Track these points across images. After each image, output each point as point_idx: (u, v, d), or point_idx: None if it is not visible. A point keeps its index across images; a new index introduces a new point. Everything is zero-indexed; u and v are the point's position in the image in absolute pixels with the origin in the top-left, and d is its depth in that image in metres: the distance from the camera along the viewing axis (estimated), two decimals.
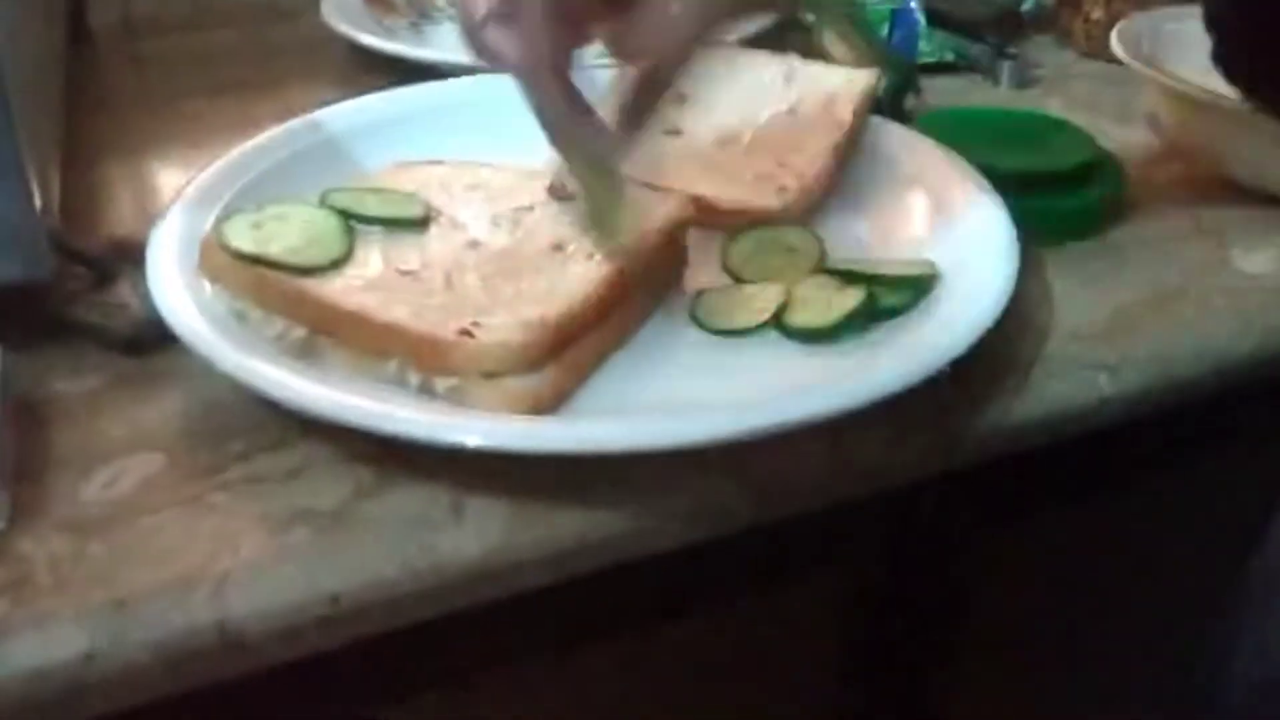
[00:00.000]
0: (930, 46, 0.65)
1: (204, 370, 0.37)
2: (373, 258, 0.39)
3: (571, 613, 0.39)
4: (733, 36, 0.44)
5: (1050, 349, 0.42)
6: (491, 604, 0.35)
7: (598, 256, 0.40)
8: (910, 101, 0.57)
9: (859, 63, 0.57)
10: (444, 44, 0.69)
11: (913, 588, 0.59)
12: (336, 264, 0.38)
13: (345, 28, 0.66)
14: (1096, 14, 0.68)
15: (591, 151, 0.39)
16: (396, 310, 0.36)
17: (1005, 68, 0.63)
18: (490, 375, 0.36)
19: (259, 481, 0.35)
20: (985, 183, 0.46)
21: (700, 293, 0.43)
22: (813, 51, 0.59)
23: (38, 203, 0.40)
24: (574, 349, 0.38)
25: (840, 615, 0.66)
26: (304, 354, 0.38)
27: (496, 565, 0.34)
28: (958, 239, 0.43)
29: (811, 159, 0.49)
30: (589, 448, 0.34)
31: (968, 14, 0.65)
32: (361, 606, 0.32)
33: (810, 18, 0.63)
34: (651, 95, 0.39)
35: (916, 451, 0.39)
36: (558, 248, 0.41)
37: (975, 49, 0.65)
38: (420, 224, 0.42)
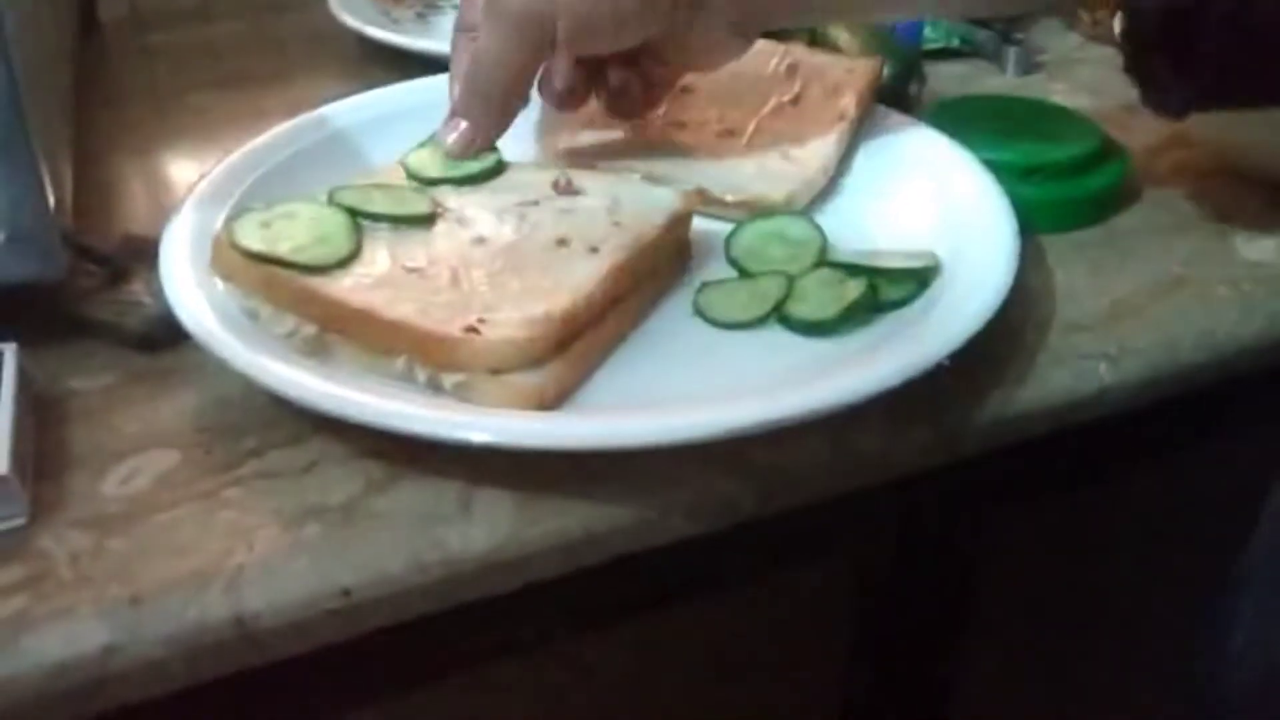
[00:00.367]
0: (936, 33, 0.65)
1: (217, 367, 0.37)
2: (380, 255, 0.40)
3: (583, 598, 0.40)
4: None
5: (1051, 339, 0.42)
6: (502, 592, 0.36)
7: (601, 251, 0.41)
8: (915, 89, 0.57)
9: (863, 51, 0.57)
10: (448, 35, 0.70)
11: (921, 568, 0.59)
12: (344, 262, 0.39)
13: (351, 20, 0.66)
14: None
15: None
16: (403, 307, 0.37)
17: (1011, 54, 0.63)
18: (496, 371, 0.36)
19: (272, 477, 0.36)
20: (988, 173, 0.46)
21: (703, 285, 0.44)
22: (818, 40, 0.59)
23: (51, 202, 0.41)
24: (578, 343, 0.39)
25: (849, 596, 0.67)
26: (314, 351, 0.38)
27: (504, 558, 0.34)
28: (960, 230, 0.44)
29: (815, 150, 0.49)
30: (593, 444, 0.34)
31: None
32: (372, 600, 0.33)
33: None
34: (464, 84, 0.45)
35: (918, 442, 0.39)
36: (562, 243, 0.41)
37: (981, 35, 0.65)
38: (426, 220, 0.42)
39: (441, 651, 0.39)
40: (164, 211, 0.44)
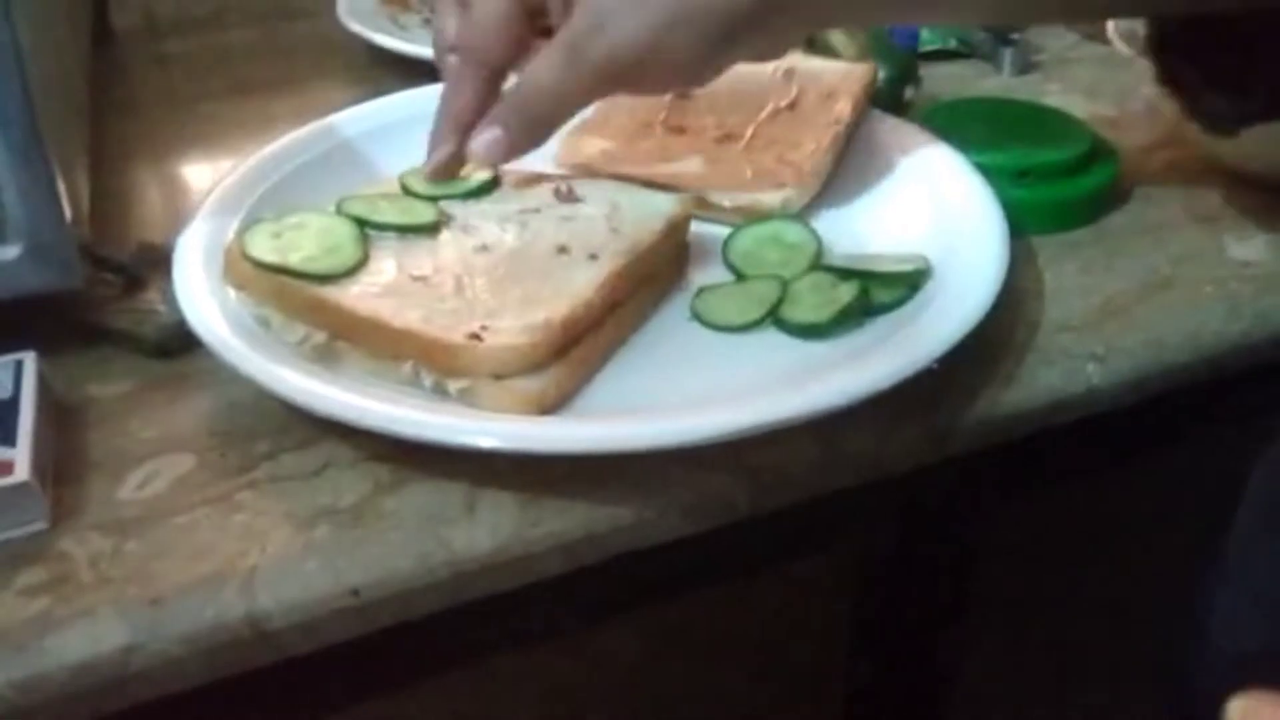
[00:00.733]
0: (932, 34, 0.66)
1: (230, 373, 0.39)
2: (387, 264, 0.41)
3: (590, 590, 0.41)
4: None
5: (1041, 339, 0.43)
6: (507, 590, 0.37)
7: (601, 258, 0.42)
8: (910, 92, 0.58)
9: (859, 56, 0.58)
10: None
11: (921, 558, 0.60)
12: (352, 271, 0.40)
13: (359, 27, 0.67)
14: None
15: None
16: (409, 315, 0.38)
17: (1006, 54, 0.64)
18: (499, 376, 0.38)
19: (284, 480, 0.37)
20: (979, 177, 0.47)
21: (700, 289, 0.45)
22: (815, 43, 0.60)
23: (68, 214, 0.42)
24: (578, 348, 0.40)
25: (851, 585, 0.68)
26: (324, 357, 0.40)
27: (508, 558, 0.36)
28: (951, 234, 0.45)
29: (810, 155, 0.50)
30: (592, 448, 0.36)
31: None
32: (381, 598, 0.34)
33: None
34: (511, 108, 0.42)
35: (909, 442, 0.40)
36: (563, 250, 0.43)
37: (977, 36, 0.66)
38: (432, 229, 0.43)
39: (451, 643, 0.41)
40: (180, 218, 0.46)
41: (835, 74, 0.54)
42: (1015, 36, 0.65)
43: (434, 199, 0.45)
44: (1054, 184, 0.49)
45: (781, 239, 0.46)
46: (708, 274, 0.46)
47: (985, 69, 0.65)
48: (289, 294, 0.39)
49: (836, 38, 0.60)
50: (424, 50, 0.65)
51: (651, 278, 0.44)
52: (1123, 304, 0.45)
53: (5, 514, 0.35)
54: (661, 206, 0.45)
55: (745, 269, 0.45)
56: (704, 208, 0.49)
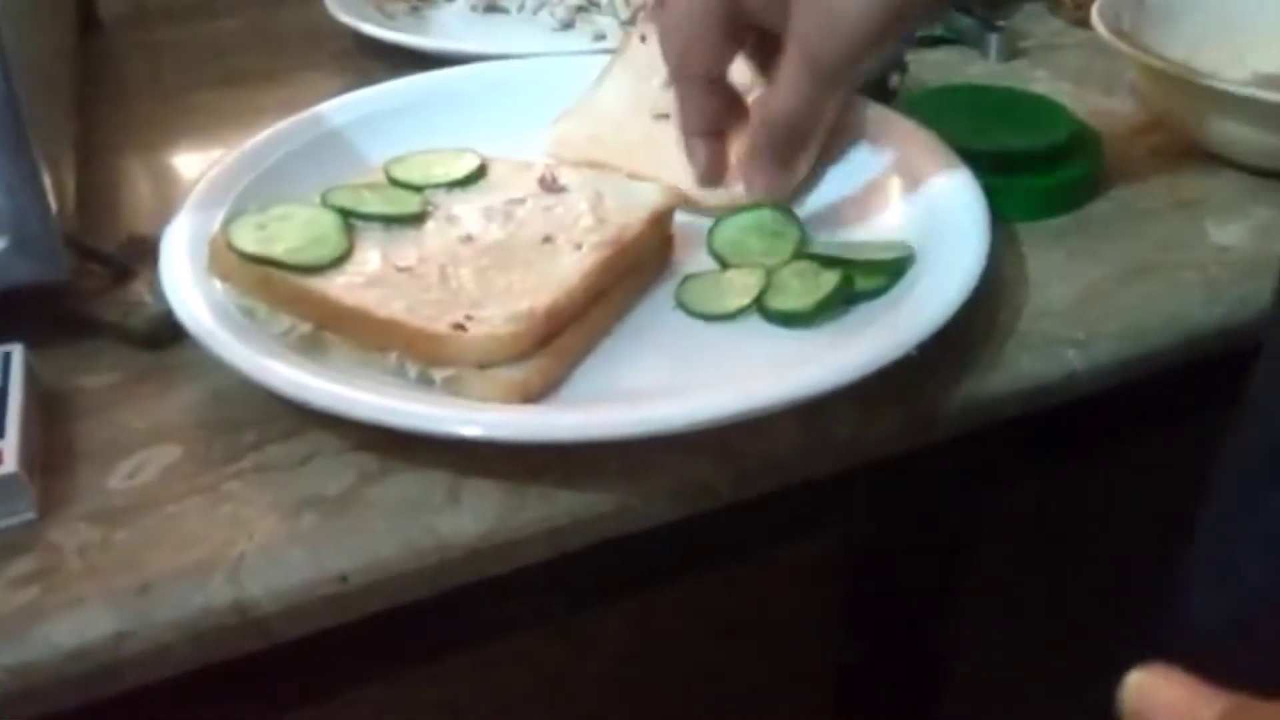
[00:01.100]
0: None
1: (217, 364, 0.39)
2: (372, 254, 0.41)
3: (580, 576, 0.42)
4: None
5: (1023, 325, 0.44)
6: (493, 576, 0.37)
7: (585, 248, 0.42)
8: (896, 80, 0.58)
9: None
10: (444, 28, 0.71)
11: (911, 542, 0.61)
12: (337, 262, 0.40)
13: (346, 17, 0.67)
14: None
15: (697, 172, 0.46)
16: (394, 305, 0.39)
17: (993, 40, 0.64)
18: (483, 365, 0.38)
19: (271, 470, 0.38)
20: (962, 164, 0.47)
21: (685, 278, 0.45)
22: None
23: (54, 206, 0.42)
24: (562, 337, 0.40)
25: (841, 569, 0.68)
26: (310, 348, 0.40)
27: (492, 545, 0.36)
28: (933, 221, 0.45)
29: None
30: (576, 436, 0.36)
31: None
32: (367, 585, 0.35)
33: None
34: (776, 144, 0.44)
35: (891, 427, 0.41)
36: (547, 239, 0.43)
37: (964, 22, 0.66)
38: (417, 219, 0.44)
39: (440, 629, 0.41)
40: (168, 209, 0.46)
41: None
42: (1001, 23, 0.66)
43: (419, 189, 0.45)
44: (1037, 171, 0.50)
45: (765, 227, 0.46)
46: (692, 263, 0.47)
47: (972, 55, 0.65)
48: (274, 285, 0.40)
49: None
50: (411, 39, 0.65)
51: (636, 267, 0.44)
52: (1104, 290, 0.45)
53: None
54: (646, 196, 0.45)
55: (729, 257, 0.46)
56: (690, 201, 0.49)
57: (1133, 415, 0.51)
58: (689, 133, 0.46)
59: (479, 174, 0.47)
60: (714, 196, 0.48)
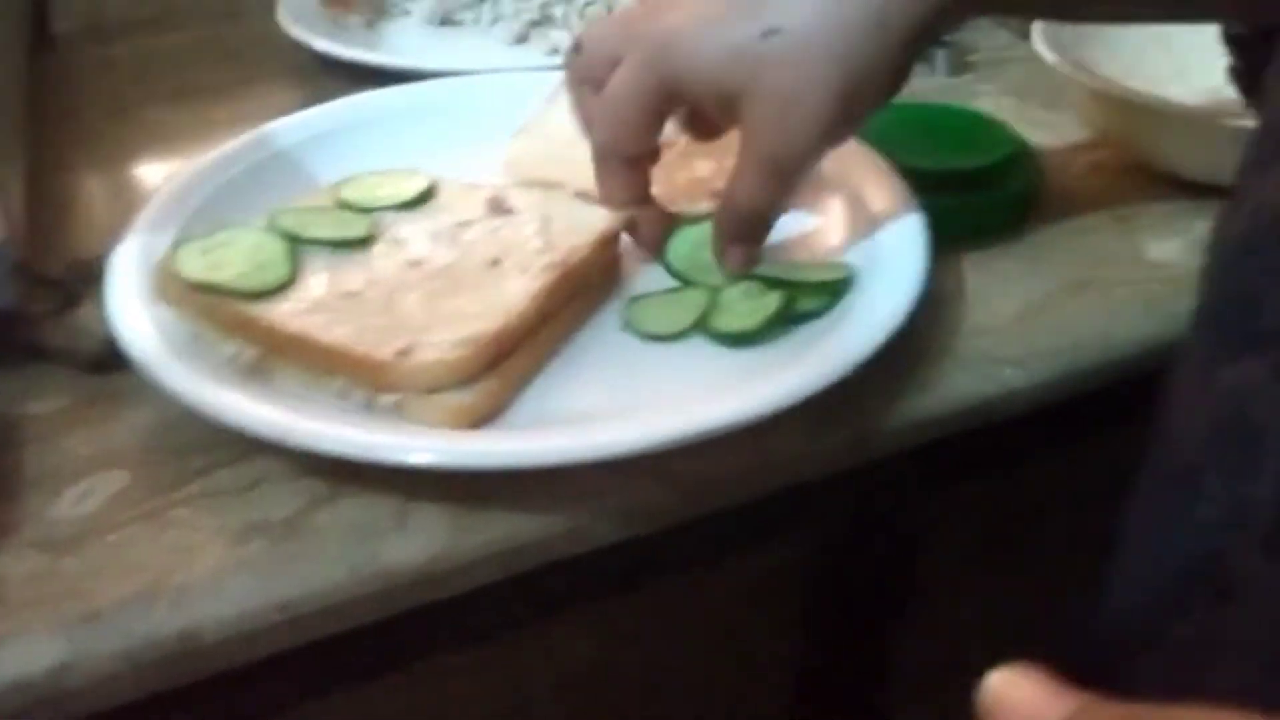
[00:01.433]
0: None
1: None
2: (318, 279, 0.41)
3: (536, 586, 0.42)
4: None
5: (960, 344, 0.45)
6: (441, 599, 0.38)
7: (531, 271, 0.43)
8: None
9: None
10: (399, 42, 0.71)
11: (865, 549, 0.62)
12: (283, 288, 0.41)
13: (299, 32, 0.67)
14: None
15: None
16: (339, 332, 0.39)
17: (940, 55, 0.65)
18: (429, 390, 0.39)
19: (218, 496, 0.38)
20: (903, 184, 0.48)
21: (633, 299, 0.46)
22: None
23: (1, 230, 0.43)
24: (509, 361, 0.41)
25: (798, 577, 0.69)
26: (256, 373, 0.40)
27: (439, 569, 0.37)
28: (874, 241, 0.46)
29: None
30: (521, 462, 0.36)
31: None
32: (312, 611, 0.35)
33: None
34: (743, 232, 0.44)
35: (832, 446, 0.42)
36: (495, 263, 0.43)
37: None
38: (364, 243, 0.44)
39: (400, 642, 0.41)
40: (119, 228, 0.46)
41: None
42: (949, 38, 0.67)
43: (367, 211, 0.46)
44: (977, 190, 0.51)
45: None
46: (643, 282, 0.47)
47: (920, 69, 0.66)
48: (220, 311, 0.40)
49: None
50: (365, 55, 0.66)
51: (584, 289, 0.45)
52: (1041, 307, 0.47)
53: None
54: (593, 219, 0.46)
55: (685, 270, 0.46)
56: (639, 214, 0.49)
57: (1084, 417, 0.52)
58: (612, 205, 0.46)
59: (428, 195, 0.47)
60: (662, 200, 0.49)
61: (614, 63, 0.43)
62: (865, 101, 0.41)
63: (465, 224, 0.45)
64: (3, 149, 0.51)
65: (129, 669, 0.34)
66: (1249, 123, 0.50)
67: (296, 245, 0.43)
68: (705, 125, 0.46)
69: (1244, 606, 0.26)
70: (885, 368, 0.42)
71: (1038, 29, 0.57)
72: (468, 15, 0.73)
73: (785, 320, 0.43)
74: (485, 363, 0.39)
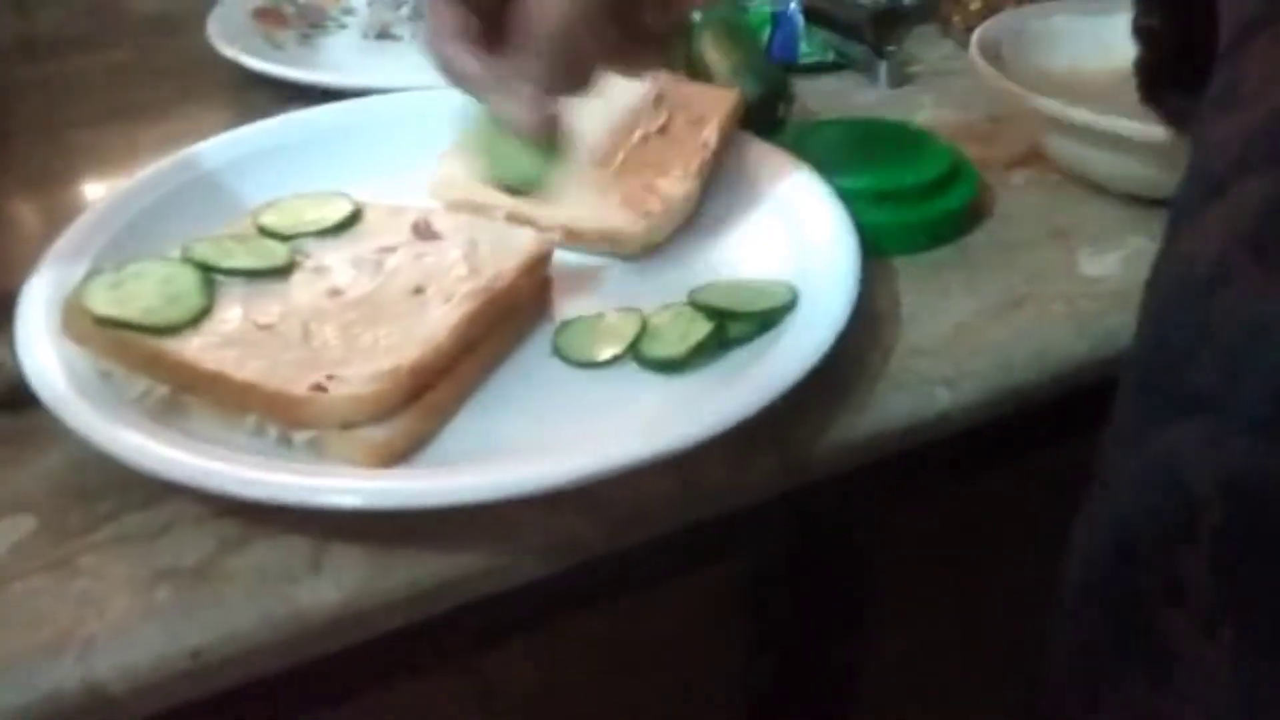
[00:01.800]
0: (811, 47, 0.66)
1: None
2: (232, 311, 0.40)
3: (479, 611, 0.41)
4: None
5: (894, 364, 0.44)
6: (356, 643, 0.37)
7: (455, 299, 0.42)
8: (783, 110, 0.58)
9: (733, 75, 0.58)
10: (334, 57, 0.70)
11: (817, 562, 0.61)
12: (195, 321, 0.39)
13: (230, 50, 0.66)
14: (975, 4, 0.69)
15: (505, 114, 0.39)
16: (251, 367, 0.38)
17: (882, 67, 0.65)
18: (346, 426, 0.37)
19: (127, 541, 0.37)
20: (837, 203, 0.47)
21: (562, 324, 0.45)
22: (692, 65, 0.60)
23: None
24: (432, 393, 0.40)
25: (748, 591, 0.69)
26: (168, 412, 0.39)
27: (355, 612, 0.36)
28: (807, 262, 0.45)
29: (677, 181, 0.50)
30: (438, 501, 0.35)
31: (848, 14, 0.66)
32: (222, 660, 0.34)
33: (696, 17, 0.64)
34: (544, 54, 0.37)
35: (761, 473, 0.41)
36: (418, 290, 0.42)
37: (855, 49, 0.66)
38: (284, 271, 0.43)
39: (340, 674, 0.40)
40: (38, 258, 0.45)
41: (704, 99, 0.54)
42: (892, 48, 0.66)
43: (287, 238, 0.44)
44: (914, 205, 0.50)
45: None
46: (574, 307, 0.46)
47: (861, 82, 0.66)
48: (129, 348, 0.39)
49: (710, 54, 0.60)
50: (295, 73, 0.64)
51: (511, 315, 0.44)
52: (975, 325, 0.46)
53: None
54: (520, 243, 0.45)
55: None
56: (569, 236, 0.49)
57: (1034, 429, 0.52)
58: (433, 39, 0.39)
59: (352, 220, 0.46)
60: (596, 228, 0.48)
61: None
62: None
63: (389, 250, 0.44)
64: None
65: None
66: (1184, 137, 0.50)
67: (211, 276, 0.41)
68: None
69: (1184, 688, 0.25)
70: (818, 391, 0.41)
71: (975, 41, 0.56)
72: (404, 30, 0.72)
73: (716, 346, 0.42)
74: (404, 397, 0.38)
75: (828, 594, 0.65)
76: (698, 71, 0.59)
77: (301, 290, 0.42)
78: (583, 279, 0.48)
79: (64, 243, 0.46)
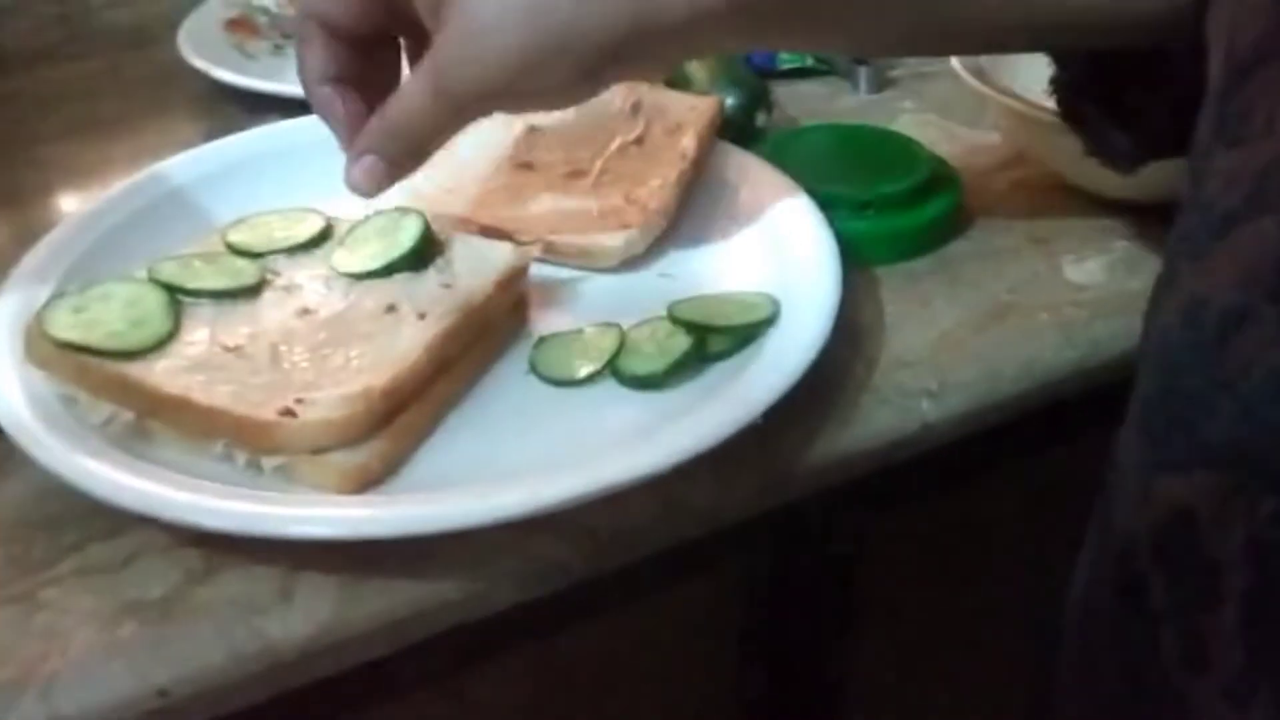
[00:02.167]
0: (791, 53, 0.66)
1: None
2: (199, 334, 0.39)
3: (460, 631, 0.40)
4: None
5: (878, 377, 0.43)
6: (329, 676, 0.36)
7: (429, 317, 0.41)
8: (762, 119, 0.58)
9: (711, 83, 0.58)
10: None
11: (802, 573, 0.61)
12: (160, 345, 0.38)
13: (201, 62, 0.65)
14: None
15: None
16: (219, 391, 0.37)
17: (862, 73, 0.64)
18: (317, 451, 0.37)
19: (91, 573, 0.36)
20: (817, 213, 0.47)
21: (539, 340, 0.44)
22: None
23: None
24: (405, 415, 0.39)
25: (735, 604, 0.68)
26: (133, 439, 0.38)
27: (327, 643, 0.35)
28: (788, 275, 0.44)
29: (655, 192, 0.49)
30: (411, 530, 0.34)
31: None
32: (189, 696, 0.33)
33: None
34: (385, 148, 0.40)
35: (745, 491, 0.40)
36: (391, 308, 0.41)
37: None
38: (253, 290, 0.42)
39: (317, 699, 0.39)
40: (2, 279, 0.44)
41: (682, 107, 0.53)
42: None
43: (257, 255, 0.43)
44: (895, 214, 0.49)
45: None
46: (551, 322, 0.45)
47: (842, 86, 0.65)
48: (92, 373, 0.38)
49: (689, 63, 0.60)
50: (268, 85, 0.63)
51: (487, 331, 0.43)
52: (959, 336, 0.45)
53: None
54: (496, 258, 0.44)
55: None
56: (550, 251, 0.48)
57: (1022, 436, 0.51)
58: (306, 80, 0.42)
59: (323, 236, 0.45)
60: (573, 241, 0.47)
61: None
62: (556, 70, 0.37)
63: None
64: None
65: None
66: None
67: (178, 298, 0.40)
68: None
69: None
70: (800, 405, 0.40)
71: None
72: None
73: (696, 362, 0.42)
74: (375, 420, 0.37)
75: (815, 605, 0.64)
76: (675, 79, 0.58)
77: (271, 310, 0.41)
78: (559, 292, 0.47)
79: (28, 264, 0.45)
